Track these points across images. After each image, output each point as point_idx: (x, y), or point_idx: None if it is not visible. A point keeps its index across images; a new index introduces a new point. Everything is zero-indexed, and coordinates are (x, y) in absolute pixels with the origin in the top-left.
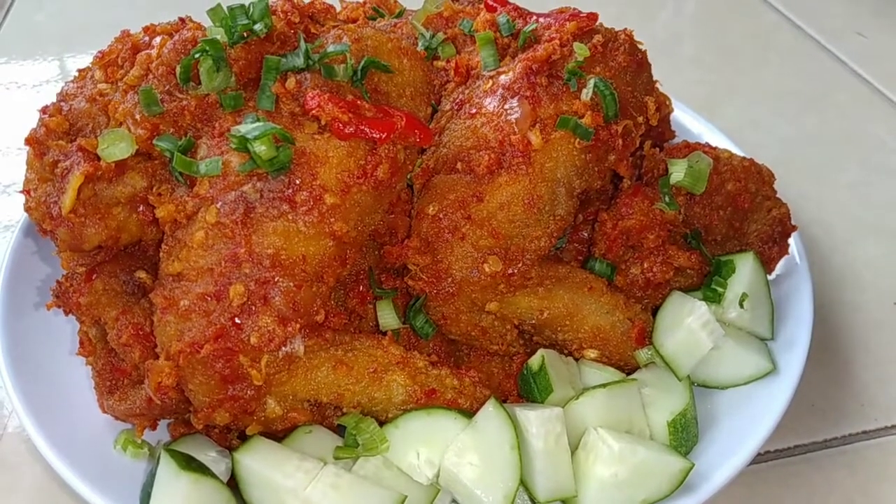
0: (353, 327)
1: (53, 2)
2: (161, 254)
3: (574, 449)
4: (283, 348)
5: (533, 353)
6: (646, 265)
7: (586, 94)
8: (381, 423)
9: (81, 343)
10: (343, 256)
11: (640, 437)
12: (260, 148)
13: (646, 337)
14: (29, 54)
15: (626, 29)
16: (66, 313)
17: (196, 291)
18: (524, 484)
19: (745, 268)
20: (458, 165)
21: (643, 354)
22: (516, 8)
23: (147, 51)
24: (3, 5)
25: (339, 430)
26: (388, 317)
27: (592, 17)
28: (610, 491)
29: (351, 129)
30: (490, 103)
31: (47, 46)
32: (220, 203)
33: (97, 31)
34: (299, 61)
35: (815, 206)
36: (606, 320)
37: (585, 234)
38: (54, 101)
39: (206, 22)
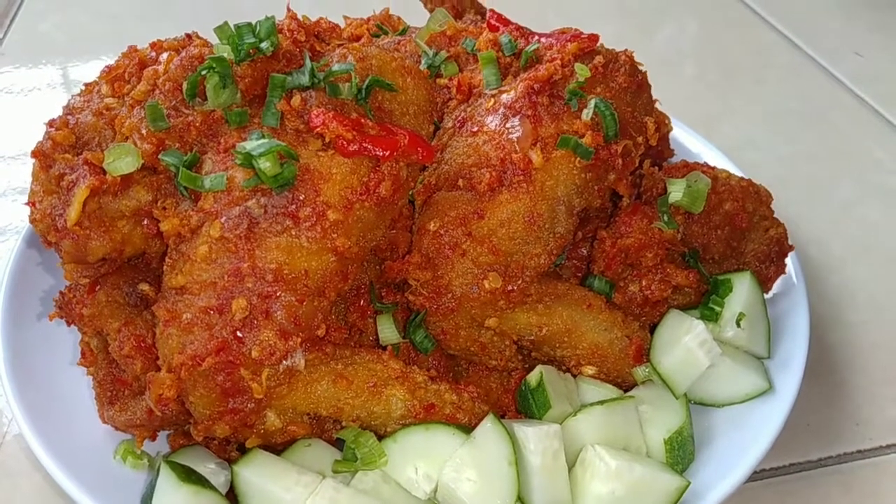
0: (353, 341)
1: (58, 11)
2: (164, 267)
3: (571, 465)
4: (284, 362)
5: (531, 369)
6: (644, 283)
7: (587, 114)
8: (380, 438)
9: (83, 353)
10: (345, 271)
11: (636, 455)
12: (264, 164)
13: (643, 354)
14: (33, 63)
15: (626, 50)
16: (69, 324)
17: (199, 305)
18: (521, 500)
19: (742, 287)
20: (460, 182)
21: (641, 372)
22: (518, 28)
23: (154, 66)
24: (7, 14)
25: (339, 444)
26: (388, 331)
27: (593, 38)
28: None
29: (354, 147)
30: (492, 121)
31: (51, 56)
32: (224, 218)
33: (101, 41)
34: (304, 79)
35: (811, 226)
36: (604, 337)
37: (584, 252)
38: (61, 114)
39: (213, 39)
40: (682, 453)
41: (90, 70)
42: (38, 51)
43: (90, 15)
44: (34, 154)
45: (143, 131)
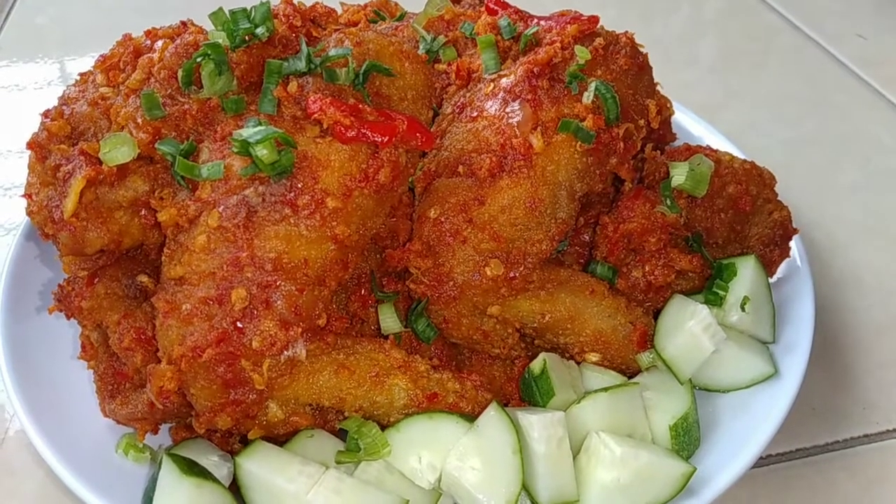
0: (354, 331)
1: (54, 4)
2: (163, 258)
3: (576, 453)
4: (285, 352)
5: (534, 356)
6: (647, 268)
7: (587, 97)
8: (383, 428)
9: (83, 347)
10: (345, 260)
11: (641, 441)
12: (262, 152)
13: (647, 340)
14: (29, 57)
15: (626, 32)
16: (68, 317)
17: (198, 295)
18: (526, 488)
19: (746, 271)
20: (460, 169)
21: (645, 358)
22: (517, 11)
23: (149, 54)
24: (3, 7)
25: (341, 435)
26: (389, 320)
27: (593, 20)
28: (612, 495)
29: (353, 133)
30: (491, 106)
31: (48, 49)
32: (222, 207)
33: (98, 34)
34: (301, 65)
35: (815, 209)
36: (608, 324)
37: (587, 238)
38: (56, 104)
39: (208, 25)
40: (687, 439)
41: (87, 64)
42: (35, 45)
43: (86, 8)
44: (30, 145)
45: (139, 120)
